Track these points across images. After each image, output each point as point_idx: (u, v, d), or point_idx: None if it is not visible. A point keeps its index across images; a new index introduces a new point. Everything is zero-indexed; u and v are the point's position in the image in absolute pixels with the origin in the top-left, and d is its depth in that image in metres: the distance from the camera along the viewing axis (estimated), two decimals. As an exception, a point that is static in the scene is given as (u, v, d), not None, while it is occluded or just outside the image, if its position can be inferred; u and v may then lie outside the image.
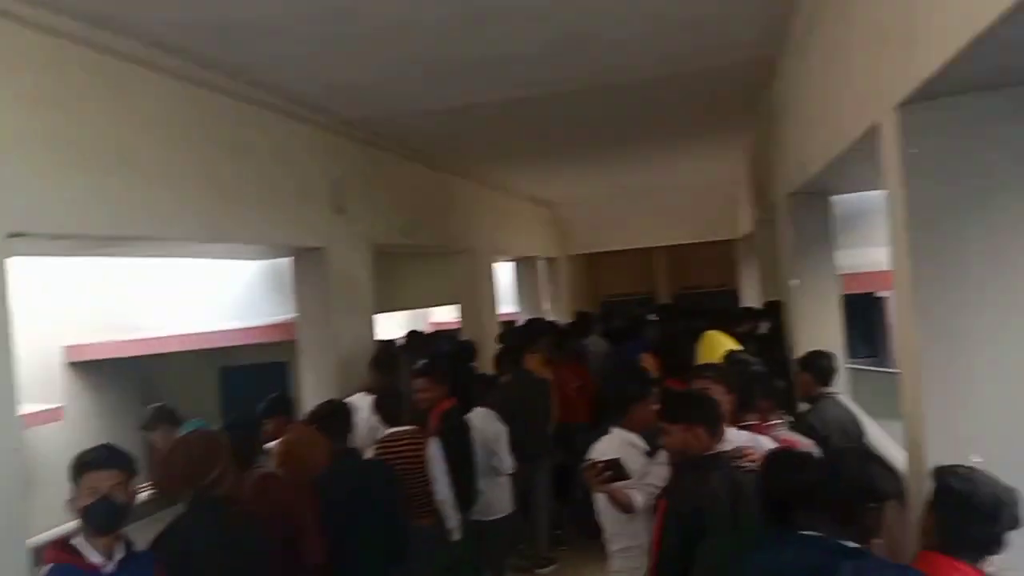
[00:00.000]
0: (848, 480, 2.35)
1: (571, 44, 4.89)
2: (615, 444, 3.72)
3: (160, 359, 9.05)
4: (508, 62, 5.16)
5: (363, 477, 4.17)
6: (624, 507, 3.48)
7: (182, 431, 4.33)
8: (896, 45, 2.64)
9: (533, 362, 7.08)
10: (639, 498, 3.47)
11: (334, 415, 4.37)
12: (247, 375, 9.21)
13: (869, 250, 7.12)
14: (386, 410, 4.67)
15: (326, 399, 4.79)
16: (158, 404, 5.26)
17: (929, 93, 2.43)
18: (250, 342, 8.68)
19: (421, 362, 5.32)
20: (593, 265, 17.03)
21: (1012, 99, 2.52)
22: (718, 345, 5.32)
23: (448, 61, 5.04)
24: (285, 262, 6.61)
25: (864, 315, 12.66)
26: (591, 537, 4.99)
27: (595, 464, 3.50)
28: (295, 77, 5.10)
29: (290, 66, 4.84)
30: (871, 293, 12.03)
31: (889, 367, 9.25)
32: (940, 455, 2.52)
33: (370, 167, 7.01)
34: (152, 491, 5.18)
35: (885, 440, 4.55)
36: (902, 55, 2.57)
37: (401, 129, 6.94)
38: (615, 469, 3.47)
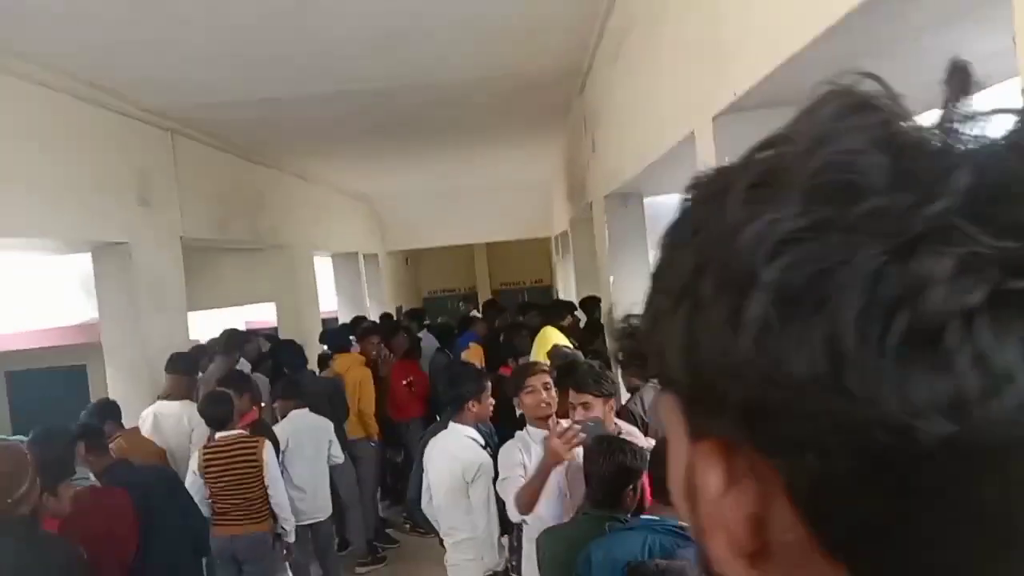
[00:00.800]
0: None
1: (389, 41, 4.87)
2: (455, 439, 3.78)
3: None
4: (326, 56, 5.06)
5: (141, 489, 3.85)
6: (531, 503, 3.13)
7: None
8: (709, 62, 2.85)
9: (349, 361, 6.96)
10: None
11: (85, 435, 4.01)
12: (40, 380, 8.41)
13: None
14: (213, 414, 4.46)
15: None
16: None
17: (741, 107, 2.65)
18: (46, 345, 7.93)
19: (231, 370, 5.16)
20: (414, 261, 17.02)
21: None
22: (553, 340, 5.52)
23: (264, 52, 4.87)
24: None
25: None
26: (425, 533, 5.05)
27: (572, 425, 3.01)
28: (95, 63, 4.73)
29: (90, 52, 4.50)
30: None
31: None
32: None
33: (180, 158, 6.61)
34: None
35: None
36: (715, 72, 2.78)
37: (215, 119, 6.61)
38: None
